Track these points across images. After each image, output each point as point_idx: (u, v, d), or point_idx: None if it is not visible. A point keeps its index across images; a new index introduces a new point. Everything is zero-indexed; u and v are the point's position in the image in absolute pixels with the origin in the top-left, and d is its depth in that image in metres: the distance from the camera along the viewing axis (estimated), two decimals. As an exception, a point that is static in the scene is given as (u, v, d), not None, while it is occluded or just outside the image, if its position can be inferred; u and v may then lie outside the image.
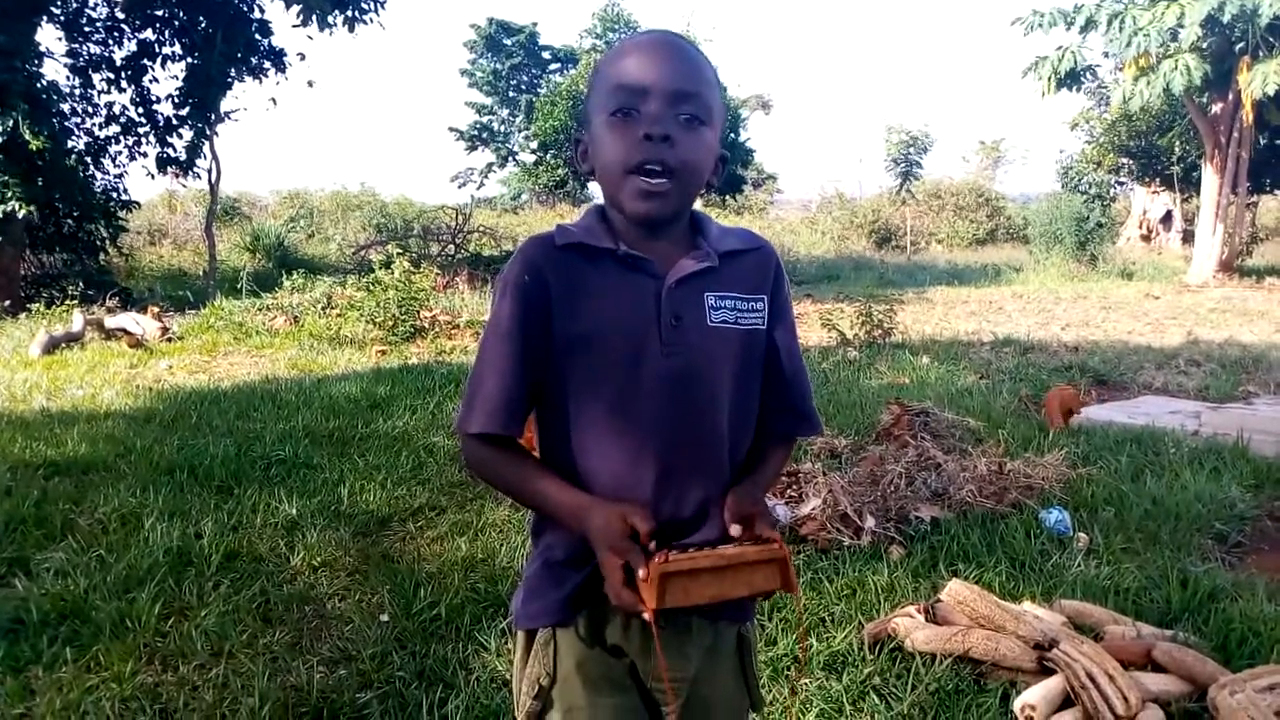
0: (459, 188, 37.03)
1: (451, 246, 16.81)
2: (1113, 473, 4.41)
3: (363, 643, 2.79)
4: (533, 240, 1.27)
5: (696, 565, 1.12)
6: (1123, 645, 2.58)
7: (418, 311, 9.85)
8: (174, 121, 14.75)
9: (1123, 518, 3.80)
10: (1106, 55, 19.31)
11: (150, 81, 14.69)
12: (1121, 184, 27.75)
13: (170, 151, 14.81)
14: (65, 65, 14.26)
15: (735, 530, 1.21)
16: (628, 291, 1.23)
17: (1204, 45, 16.38)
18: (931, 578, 3.21)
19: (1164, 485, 4.17)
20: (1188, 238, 23.22)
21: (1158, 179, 24.48)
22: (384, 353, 8.75)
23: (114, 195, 14.39)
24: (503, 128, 35.97)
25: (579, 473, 1.24)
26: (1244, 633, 2.73)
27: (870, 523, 3.61)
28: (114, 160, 14.65)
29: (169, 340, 9.52)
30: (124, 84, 14.56)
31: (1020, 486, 4.03)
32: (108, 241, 14.18)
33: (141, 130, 14.73)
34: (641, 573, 1.10)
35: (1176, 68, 16.01)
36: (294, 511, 3.94)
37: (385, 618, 2.98)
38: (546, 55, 35.54)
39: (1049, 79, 18.02)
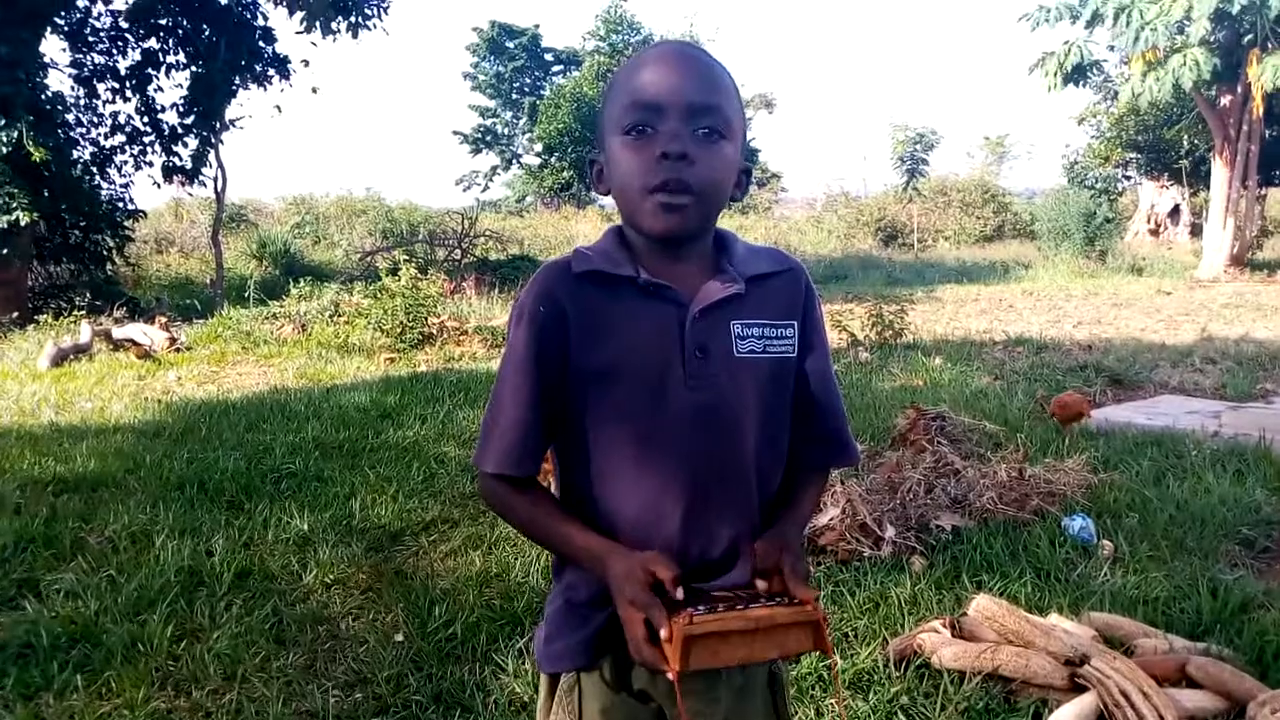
0: (464, 191, 37.08)
1: (458, 252, 16.79)
2: (1134, 477, 4.34)
3: (378, 665, 2.74)
4: (549, 267, 1.22)
5: (725, 628, 1.03)
6: (1155, 660, 2.51)
7: (425, 318, 9.80)
8: (179, 130, 14.78)
9: (1147, 524, 3.73)
10: (1113, 49, 19.23)
11: (155, 90, 14.72)
12: (1128, 178, 27.61)
13: (176, 160, 14.83)
14: (69, 75, 14.27)
15: (761, 585, 1.13)
16: (649, 322, 1.17)
17: (1212, 38, 16.28)
18: (955, 589, 3.14)
19: (1187, 489, 4.10)
20: (1195, 231, 23.09)
21: (1165, 173, 24.34)
22: (392, 360, 8.71)
23: (120, 205, 14.39)
24: (506, 130, 35.98)
25: (600, 510, 1.19)
26: None
27: (890, 532, 3.55)
28: (119, 170, 14.66)
29: (177, 350, 9.49)
30: (129, 93, 14.58)
31: (1042, 493, 3.96)
32: (114, 251, 14.17)
33: (147, 139, 14.75)
34: (664, 632, 1.03)
35: (1185, 62, 15.92)
36: (305, 527, 3.90)
37: (400, 638, 2.93)
38: (549, 57, 35.53)
39: (1055, 74, 17.97)
